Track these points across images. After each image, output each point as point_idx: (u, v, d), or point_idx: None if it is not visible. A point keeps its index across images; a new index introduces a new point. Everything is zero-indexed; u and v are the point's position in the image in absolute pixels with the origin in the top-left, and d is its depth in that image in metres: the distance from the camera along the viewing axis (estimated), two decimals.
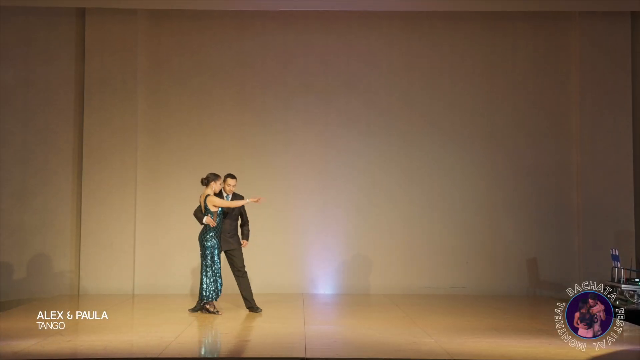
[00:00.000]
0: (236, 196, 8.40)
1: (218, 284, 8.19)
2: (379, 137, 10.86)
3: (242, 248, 8.47)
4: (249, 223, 8.55)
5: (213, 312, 8.16)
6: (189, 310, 8.42)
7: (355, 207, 10.79)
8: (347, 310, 9.22)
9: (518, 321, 7.95)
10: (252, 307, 8.40)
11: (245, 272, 8.40)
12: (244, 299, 8.43)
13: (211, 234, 8.13)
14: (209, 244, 8.11)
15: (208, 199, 8.13)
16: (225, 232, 8.30)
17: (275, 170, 10.77)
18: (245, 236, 8.50)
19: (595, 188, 10.66)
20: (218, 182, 8.23)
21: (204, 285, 8.15)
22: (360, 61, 10.92)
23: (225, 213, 8.30)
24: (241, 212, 8.46)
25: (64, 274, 10.42)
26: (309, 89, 10.88)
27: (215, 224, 8.12)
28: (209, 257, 8.13)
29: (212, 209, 8.13)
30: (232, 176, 8.40)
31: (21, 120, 10.51)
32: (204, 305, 8.23)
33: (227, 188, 8.35)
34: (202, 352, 6.37)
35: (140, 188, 10.62)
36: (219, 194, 8.31)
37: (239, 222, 8.50)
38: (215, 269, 8.15)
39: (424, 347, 6.31)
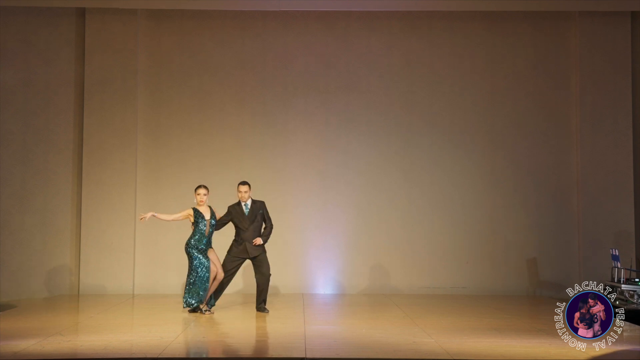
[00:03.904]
0: (255, 203, 8.49)
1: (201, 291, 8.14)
2: (379, 138, 10.86)
3: (254, 243, 8.51)
4: (272, 227, 8.55)
5: (205, 312, 8.19)
6: (188, 310, 8.41)
7: (355, 208, 10.79)
8: (347, 310, 9.22)
9: (518, 321, 7.95)
10: (261, 308, 8.44)
11: (270, 275, 8.46)
12: (259, 298, 8.44)
13: (192, 241, 8.22)
14: (192, 250, 8.18)
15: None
16: (248, 240, 8.36)
17: (275, 170, 10.78)
18: (264, 235, 8.49)
19: (595, 188, 10.66)
20: (195, 193, 8.41)
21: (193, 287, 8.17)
22: (360, 61, 10.92)
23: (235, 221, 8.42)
24: (264, 218, 8.52)
25: (64, 274, 10.42)
26: (309, 89, 10.88)
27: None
28: (196, 262, 8.15)
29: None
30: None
31: (21, 120, 10.50)
32: (198, 305, 8.27)
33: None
34: (202, 352, 6.37)
35: (140, 188, 10.62)
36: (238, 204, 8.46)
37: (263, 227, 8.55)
38: (199, 277, 8.11)
39: (424, 347, 6.31)
